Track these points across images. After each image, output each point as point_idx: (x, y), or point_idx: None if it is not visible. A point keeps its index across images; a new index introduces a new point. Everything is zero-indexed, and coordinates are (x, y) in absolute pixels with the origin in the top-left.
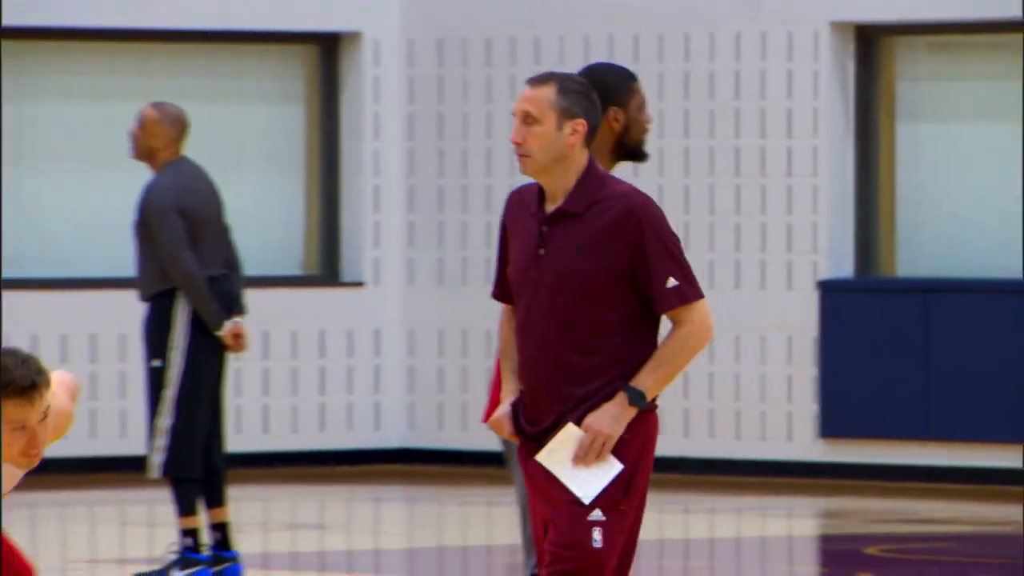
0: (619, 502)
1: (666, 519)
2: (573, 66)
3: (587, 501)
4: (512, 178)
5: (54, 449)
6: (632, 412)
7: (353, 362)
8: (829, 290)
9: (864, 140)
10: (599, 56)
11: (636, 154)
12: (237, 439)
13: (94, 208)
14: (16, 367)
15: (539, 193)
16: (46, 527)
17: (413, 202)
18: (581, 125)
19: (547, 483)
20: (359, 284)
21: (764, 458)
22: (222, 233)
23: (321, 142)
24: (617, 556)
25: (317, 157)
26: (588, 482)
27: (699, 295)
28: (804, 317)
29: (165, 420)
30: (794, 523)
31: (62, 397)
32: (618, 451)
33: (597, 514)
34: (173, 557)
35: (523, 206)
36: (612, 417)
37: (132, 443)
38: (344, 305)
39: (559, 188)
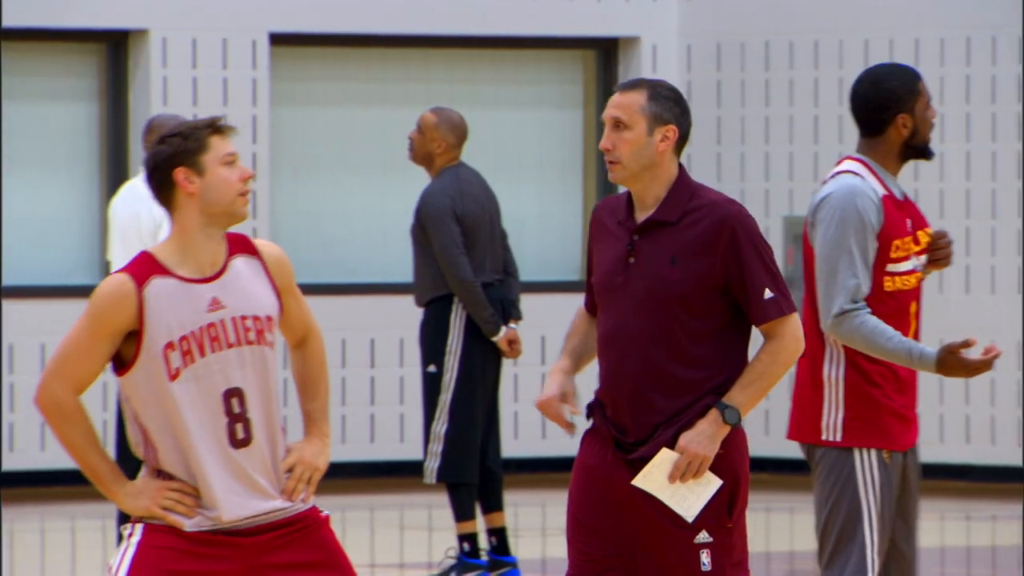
0: (724, 520)
1: (948, 526)
2: (854, 70)
3: (690, 519)
4: (792, 182)
5: (334, 454)
6: (726, 430)
7: None
8: None
9: None
10: (879, 60)
11: (923, 152)
12: (515, 444)
13: (372, 213)
14: (193, 120)
15: (627, 201)
16: None
17: None
18: (672, 131)
19: (648, 507)
20: None
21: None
22: (498, 239)
23: (598, 147)
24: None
25: (595, 162)
26: (687, 499)
27: (793, 308)
28: None
29: (440, 426)
30: None
31: None
32: (716, 467)
33: (704, 536)
34: (451, 562)
35: (611, 216)
36: (707, 437)
37: (411, 448)
38: None
39: (649, 196)
